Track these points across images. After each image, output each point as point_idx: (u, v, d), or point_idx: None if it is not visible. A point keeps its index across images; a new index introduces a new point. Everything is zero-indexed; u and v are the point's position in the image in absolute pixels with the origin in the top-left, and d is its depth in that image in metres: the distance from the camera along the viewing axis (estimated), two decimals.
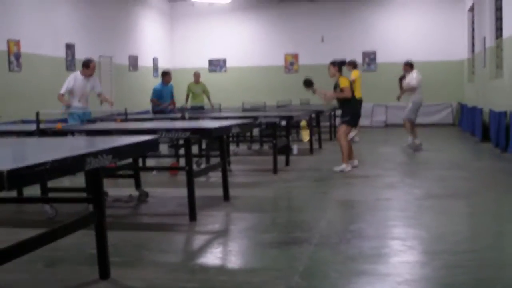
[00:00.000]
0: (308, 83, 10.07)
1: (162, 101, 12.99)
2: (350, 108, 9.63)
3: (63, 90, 9.71)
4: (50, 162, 3.07)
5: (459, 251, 4.85)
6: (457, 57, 19.82)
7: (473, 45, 18.22)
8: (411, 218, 6.20)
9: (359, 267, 4.47)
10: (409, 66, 12.73)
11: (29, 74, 12.82)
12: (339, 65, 9.65)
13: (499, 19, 13.89)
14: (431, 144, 13.80)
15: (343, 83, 9.51)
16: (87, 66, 9.88)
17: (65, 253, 4.94)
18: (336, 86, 9.62)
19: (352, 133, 14.51)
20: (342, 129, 9.66)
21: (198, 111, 13.30)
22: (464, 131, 16.77)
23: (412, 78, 12.48)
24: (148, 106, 13.72)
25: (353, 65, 14.03)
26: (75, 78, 9.79)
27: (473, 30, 18.23)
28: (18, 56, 12.47)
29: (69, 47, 14.41)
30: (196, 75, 15.83)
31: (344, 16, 20.51)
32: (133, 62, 18.21)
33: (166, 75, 13.27)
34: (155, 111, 12.95)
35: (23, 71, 12.65)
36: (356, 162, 9.83)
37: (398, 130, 12.89)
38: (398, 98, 13.09)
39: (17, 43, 12.45)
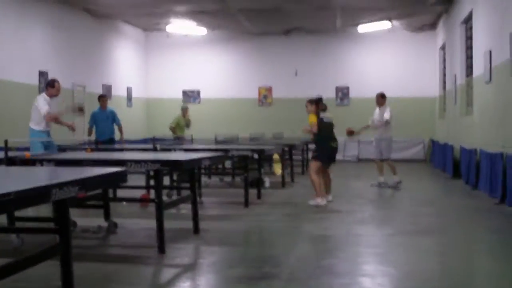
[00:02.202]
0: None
1: (97, 128, 12.52)
2: (319, 145, 9.78)
3: (47, 109, 9.46)
4: (13, 192, 3.02)
5: None
6: (429, 93, 20.15)
7: (444, 82, 18.54)
8: (382, 255, 6.21)
9: None
10: (382, 97, 12.44)
11: (1, 100, 12.69)
12: (316, 102, 9.74)
13: (469, 57, 14.19)
14: (403, 180, 13.89)
15: (310, 119, 9.66)
16: (53, 85, 9.75)
17: (30, 285, 4.84)
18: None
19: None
20: (311, 164, 9.83)
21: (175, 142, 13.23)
22: (436, 167, 16.95)
23: (387, 113, 12.21)
24: (118, 135, 13.45)
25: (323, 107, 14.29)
26: (44, 98, 9.63)
27: (444, 67, 18.59)
28: None
29: (42, 74, 14.32)
30: (184, 110, 15.97)
31: (318, 50, 20.77)
32: (107, 91, 18.14)
33: (101, 98, 12.81)
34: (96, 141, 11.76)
35: None
36: (330, 197, 9.85)
37: (370, 165, 12.98)
38: (353, 133, 12.46)
39: None
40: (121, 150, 10.03)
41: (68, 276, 4.13)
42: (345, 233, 7.35)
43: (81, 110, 11.70)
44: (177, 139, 14.86)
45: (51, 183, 3.49)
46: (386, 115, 12.19)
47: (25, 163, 6.24)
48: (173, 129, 15.55)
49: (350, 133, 12.22)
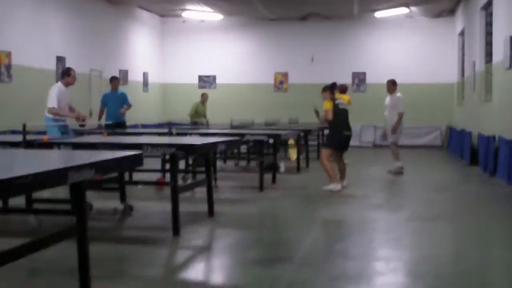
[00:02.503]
0: (316, 112, 10.22)
1: (108, 110, 12.47)
2: (331, 131, 9.71)
3: (54, 104, 9.39)
4: (31, 175, 3.08)
5: (442, 274, 4.87)
6: (447, 80, 20.00)
7: (463, 68, 18.40)
8: (396, 240, 6.23)
9: (342, 287, 4.48)
10: (393, 84, 12.26)
11: (20, 86, 12.82)
12: (330, 88, 9.63)
13: (489, 44, 14.06)
14: (419, 166, 13.90)
15: (325, 106, 9.57)
16: (68, 74, 9.75)
17: (47, 264, 4.93)
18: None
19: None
20: (322, 152, 9.81)
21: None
22: (453, 154, 16.87)
23: (401, 105, 12.02)
24: (135, 119, 13.54)
25: (340, 89, 14.33)
26: (59, 89, 9.63)
27: (463, 54, 18.43)
28: (9, 67, 12.49)
29: (60, 60, 14.44)
30: (205, 97, 16.08)
31: (335, 36, 20.69)
32: (123, 76, 18.23)
33: (112, 80, 12.79)
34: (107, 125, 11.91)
35: (13, 82, 12.66)
36: (345, 182, 9.85)
37: (386, 151, 12.96)
38: (394, 130, 12.10)
39: (8, 54, 12.47)
40: (137, 134, 10.10)
41: (84, 257, 4.20)
42: (359, 218, 7.37)
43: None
44: (194, 124, 14.95)
45: (68, 166, 3.55)
46: (400, 108, 11.99)
47: (43, 147, 6.33)
48: (192, 116, 15.68)
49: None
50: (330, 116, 9.50)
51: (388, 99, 12.39)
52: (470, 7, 16.22)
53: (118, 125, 11.94)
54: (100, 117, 12.59)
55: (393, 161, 12.19)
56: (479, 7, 14.58)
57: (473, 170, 12.73)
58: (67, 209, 6.30)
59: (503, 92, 11.88)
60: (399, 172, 11.95)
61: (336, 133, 9.63)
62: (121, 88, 13.18)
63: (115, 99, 12.55)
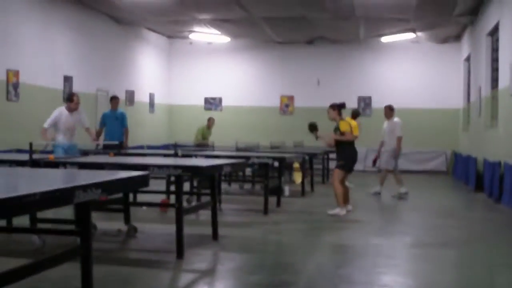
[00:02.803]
0: (312, 127, 10.03)
1: (106, 129, 12.58)
2: (346, 153, 9.60)
3: (46, 124, 9.84)
4: (39, 193, 3.09)
5: None
6: (453, 105, 20.01)
7: (468, 94, 18.42)
8: (400, 266, 6.20)
9: None
10: (391, 110, 12.62)
11: (27, 104, 12.90)
12: (338, 108, 9.63)
13: (495, 69, 14.09)
14: (424, 192, 13.86)
15: (344, 127, 9.51)
16: (71, 100, 10.01)
17: (50, 285, 4.92)
18: (336, 129, 9.62)
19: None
20: (336, 173, 9.62)
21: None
22: (458, 180, 16.82)
23: (399, 129, 12.37)
24: (141, 140, 13.63)
25: (353, 115, 14.62)
26: (60, 112, 9.89)
27: (469, 79, 18.47)
28: (16, 86, 12.57)
29: (67, 79, 14.53)
30: (211, 121, 16.59)
31: (341, 60, 20.76)
32: (130, 97, 18.33)
33: (112, 99, 12.94)
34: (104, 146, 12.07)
35: (21, 101, 12.74)
36: (350, 207, 9.82)
37: (391, 176, 12.94)
38: (397, 156, 12.42)
39: (16, 73, 12.56)
40: (143, 155, 10.12)
41: (88, 278, 4.19)
42: (363, 243, 7.34)
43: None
44: (200, 146, 15.03)
45: (75, 185, 3.56)
46: (398, 132, 12.35)
47: (49, 166, 6.34)
48: (200, 141, 15.87)
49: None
50: (351, 137, 9.51)
51: (386, 124, 12.68)
52: (476, 33, 16.29)
53: (115, 146, 12.02)
54: (98, 137, 12.66)
55: (397, 186, 12.25)
56: (485, 33, 14.65)
57: (478, 196, 12.69)
58: (72, 229, 6.29)
59: (509, 118, 11.88)
60: (403, 197, 11.98)
61: (350, 154, 9.62)
62: (124, 108, 13.26)
63: (114, 119, 12.64)
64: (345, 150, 9.58)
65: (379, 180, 12.59)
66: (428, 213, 10.26)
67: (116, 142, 11.69)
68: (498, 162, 11.65)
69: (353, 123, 9.77)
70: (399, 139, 12.32)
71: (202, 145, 15.12)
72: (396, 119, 12.50)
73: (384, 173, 12.56)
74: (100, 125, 12.80)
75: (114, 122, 12.63)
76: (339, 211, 9.41)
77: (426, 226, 8.87)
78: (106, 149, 11.40)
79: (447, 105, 20.09)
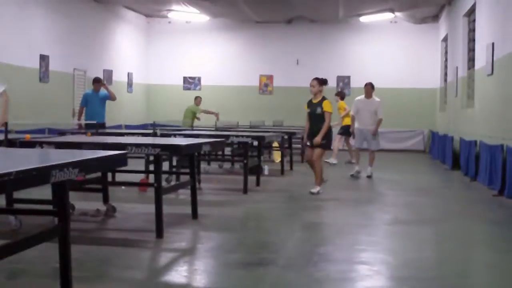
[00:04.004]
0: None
1: (88, 109, 12.51)
2: (328, 133, 9.42)
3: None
4: (14, 172, 3.01)
5: (425, 277, 4.87)
6: (430, 85, 20.12)
7: (445, 74, 18.51)
8: (379, 243, 6.23)
9: None
10: (372, 88, 12.04)
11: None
12: (323, 83, 9.44)
13: (471, 50, 14.15)
14: (401, 170, 13.96)
15: (328, 106, 9.29)
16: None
17: (28, 266, 4.85)
18: (312, 105, 9.42)
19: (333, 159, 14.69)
20: (319, 153, 9.43)
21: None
22: (435, 159, 16.96)
23: (380, 111, 11.85)
24: (119, 120, 13.56)
25: (341, 96, 14.60)
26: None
27: (446, 59, 18.54)
28: None
29: (43, 58, 14.30)
30: (199, 100, 16.77)
31: (320, 39, 20.72)
32: (108, 76, 18.11)
33: (95, 82, 12.81)
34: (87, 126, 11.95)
35: None
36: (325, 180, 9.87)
37: (376, 155, 12.97)
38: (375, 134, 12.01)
39: None
40: (122, 134, 10.02)
41: (66, 259, 4.13)
42: (342, 221, 7.36)
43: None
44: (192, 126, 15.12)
45: (52, 164, 3.49)
46: (380, 114, 11.86)
47: (25, 145, 6.23)
48: (194, 117, 16.00)
49: None
50: (330, 120, 9.33)
51: (362, 103, 12.03)
52: (453, 14, 16.33)
53: (97, 126, 11.90)
54: (80, 117, 12.54)
55: (356, 164, 12.25)
56: (462, 13, 14.69)
57: (455, 175, 12.81)
58: (49, 210, 6.21)
59: (484, 98, 11.96)
60: (357, 176, 11.95)
61: (330, 134, 9.55)
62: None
63: (97, 100, 12.52)
64: (329, 130, 9.49)
65: (370, 161, 12.06)
66: (405, 191, 10.32)
67: (98, 122, 11.61)
68: (474, 141, 11.74)
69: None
70: (380, 121, 11.94)
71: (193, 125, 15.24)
72: (377, 98, 12.07)
73: (373, 154, 12.10)
74: (82, 105, 12.66)
75: (97, 103, 12.53)
76: (320, 188, 9.42)
77: (404, 204, 8.92)
78: (89, 129, 11.26)
79: (425, 85, 20.20)
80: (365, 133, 12.02)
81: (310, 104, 9.53)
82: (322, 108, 9.29)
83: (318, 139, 9.23)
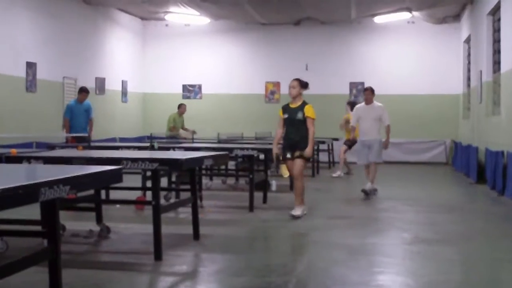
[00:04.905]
0: None
1: (73, 121, 12.87)
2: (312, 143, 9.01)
3: None
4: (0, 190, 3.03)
5: None
6: (452, 91, 20.10)
7: (468, 78, 18.50)
8: (398, 265, 6.21)
9: None
10: (373, 92, 11.68)
11: None
12: (304, 86, 9.19)
13: (497, 52, 14.14)
14: (421, 185, 13.93)
15: (311, 112, 8.93)
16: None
17: None
18: (290, 110, 9.04)
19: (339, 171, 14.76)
20: (301, 165, 8.93)
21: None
22: (458, 171, 16.92)
23: (386, 116, 11.48)
24: (113, 132, 13.68)
25: (352, 107, 14.58)
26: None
27: (469, 62, 18.54)
28: None
29: (30, 66, 14.36)
30: (183, 108, 16.68)
31: (331, 43, 20.76)
32: (100, 85, 18.19)
33: (81, 92, 13.20)
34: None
35: None
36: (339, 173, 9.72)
37: (387, 168, 12.97)
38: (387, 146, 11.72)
39: None
40: (116, 148, 10.05)
41: (56, 284, 4.14)
42: (357, 241, 7.34)
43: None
44: (172, 136, 15.13)
45: (40, 181, 3.50)
46: (386, 120, 11.49)
47: (11, 161, 6.26)
48: (173, 129, 15.94)
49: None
50: (314, 129, 8.94)
51: (364, 110, 11.72)
52: (477, 12, 16.34)
53: (81, 139, 12.09)
54: (68, 129, 12.74)
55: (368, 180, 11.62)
56: (486, 12, 14.69)
57: (480, 189, 12.77)
58: (38, 231, 6.22)
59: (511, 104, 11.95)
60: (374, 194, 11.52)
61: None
62: (94, 98, 13.36)
63: (82, 111, 12.85)
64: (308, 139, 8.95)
65: (371, 177, 11.55)
66: (426, 208, 10.30)
67: (84, 135, 11.76)
68: (501, 151, 11.72)
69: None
70: (389, 128, 11.60)
71: (174, 135, 15.24)
72: (379, 103, 11.72)
73: (376, 167, 11.66)
74: (67, 115, 12.88)
75: (82, 114, 12.80)
76: (304, 209, 9.04)
77: (425, 221, 8.90)
78: (79, 142, 11.44)
79: (446, 91, 20.17)
80: (368, 144, 11.52)
81: (286, 109, 9.13)
82: (303, 114, 8.90)
83: (309, 151, 8.82)
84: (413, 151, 19.87)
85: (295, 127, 8.96)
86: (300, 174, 8.97)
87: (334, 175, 14.06)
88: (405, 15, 19.02)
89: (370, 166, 11.59)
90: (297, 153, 8.89)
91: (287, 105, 9.22)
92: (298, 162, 8.92)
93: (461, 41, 19.70)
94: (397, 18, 19.34)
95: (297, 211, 8.88)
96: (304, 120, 8.91)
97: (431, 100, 20.20)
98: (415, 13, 18.90)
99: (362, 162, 11.82)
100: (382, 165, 11.99)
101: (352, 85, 20.68)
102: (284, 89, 21.04)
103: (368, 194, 11.22)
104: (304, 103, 9.06)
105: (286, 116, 9.08)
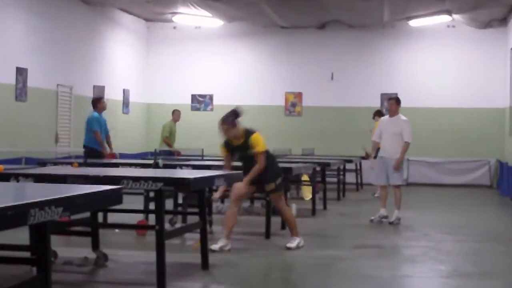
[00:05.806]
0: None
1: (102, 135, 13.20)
2: (277, 168, 9.04)
3: None
4: None
5: None
6: (497, 104, 19.97)
7: None
8: None
9: None
10: (398, 103, 11.66)
11: None
12: (235, 118, 9.11)
13: None
14: (462, 210, 13.85)
15: (260, 145, 8.83)
16: None
17: None
18: (236, 149, 8.82)
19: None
20: (278, 197, 8.90)
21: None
22: (504, 195, 16.82)
23: (408, 131, 11.26)
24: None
25: (379, 116, 14.52)
26: None
27: None
28: None
29: (21, 72, 14.45)
30: (177, 114, 16.91)
31: (360, 49, 20.73)
32: (99, 94, 18.28)
33: (99, 101, 13.50)
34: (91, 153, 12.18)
35: None
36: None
37: (421, 190, 12.90)
38: (399, 166, 11.36)
39: None
40: (115, 165, 10.10)
41: None
42: (387, 274, 7.31)
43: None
44: (172, 154, 15.21)
45: (29, 202, 3.53)
46: (408, 137, 11.26)
47: None
48: (166, 140, 16.05)
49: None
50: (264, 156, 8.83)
51: (386, 123, 11.71)
52: None
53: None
54: (102, 144, 13.08)
55: (382, 206, 11.46)
56: None
57: None
58: (27, 257, 6.25)
59: None
60: (398, 223, 11.24)
61: (279, 170, 9.10)
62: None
63: (104, 123, 13.45)
64: (274, 165, 9.00)
65: (396, 203, 11.30)
66: (467, 236, 10.25)
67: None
68: None
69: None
70: (407, 146, 11.28)
71: (173, 152, 15.38)
72: (404, 117, 11.59)
73: (399, 191, 11.39)
74: (95, 128, 13.28)
75: (105, 126, 13.44)
76: (300, 240, 8.90)
77: (466, 252, 8.86)
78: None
79: (490, 104, 20.07)
80: (387, 163, 11.36)
81: (229, 147, 8.84)
82: (254, 148, 8.71)
83: (272, 186, 8.68)
84: (453, 172, 19.75)
85: (253, 162, 8.70)
86: (282, 205, 8.94)
87: (376, 194, 13.91)
88: (444, 18, 18.99)
89: (392, 190, 11.41)
90: (267, 188, 8.77)
91: (227, 142, 8.90)
92: (274, 196, 8.91)
93: (508, 47, 19.62)
94: (435, 22, 19.31)
95: (292, 243, 8.76)
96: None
97: (473, 114, 20.10)
98: (456, 16, 18.88)
99: (379, 183, 11.74)
100: (411, 187, 11.94)
101: (384, 96, 20.53)
102: (307, 101, 21.13)
103: (391, 223, 11.09)
104: (248, 135, 8.88)
105: (236, 156, 8.89)
